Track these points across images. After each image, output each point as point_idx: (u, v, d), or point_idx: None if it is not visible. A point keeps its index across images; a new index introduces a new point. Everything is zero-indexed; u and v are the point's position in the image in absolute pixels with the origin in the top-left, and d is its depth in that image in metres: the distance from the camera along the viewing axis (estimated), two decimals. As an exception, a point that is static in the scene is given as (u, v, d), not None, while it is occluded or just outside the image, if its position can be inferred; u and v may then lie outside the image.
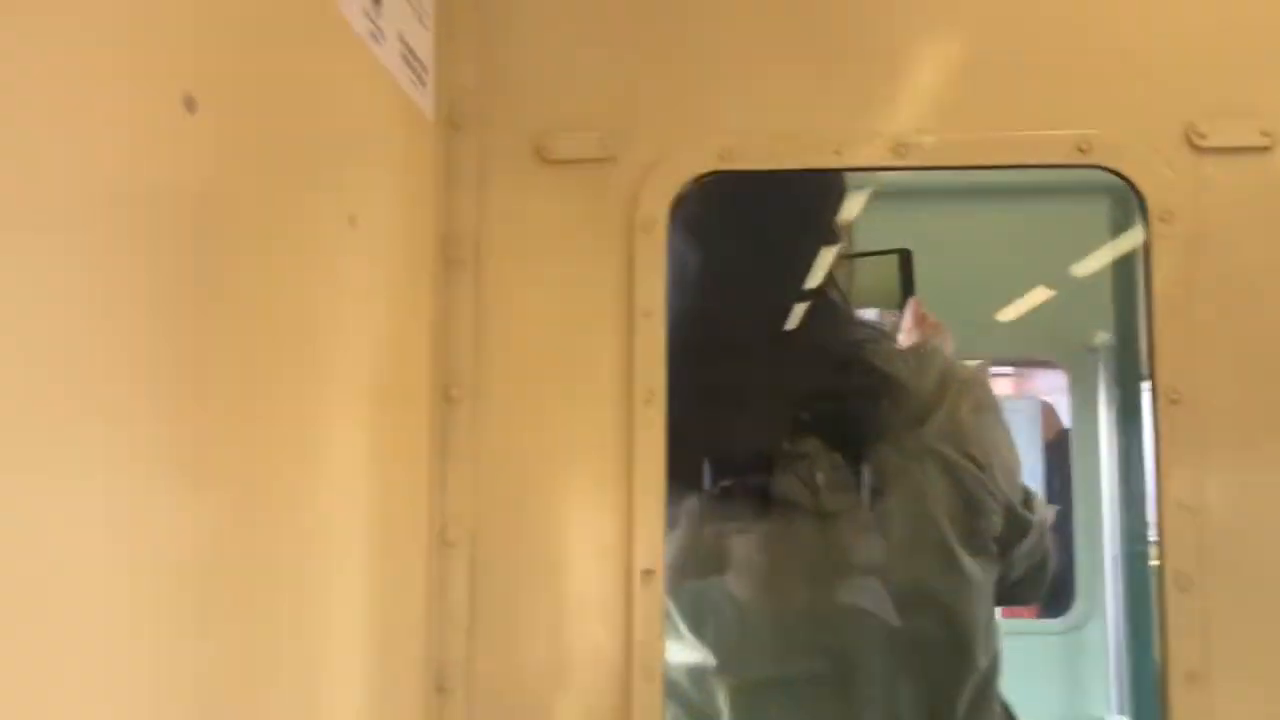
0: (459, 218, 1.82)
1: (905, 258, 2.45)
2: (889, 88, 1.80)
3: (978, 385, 1.94)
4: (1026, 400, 5.44)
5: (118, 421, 0.88)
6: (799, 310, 2.02)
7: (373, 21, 1.48)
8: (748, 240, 2.01)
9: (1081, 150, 1.72)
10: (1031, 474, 5.50)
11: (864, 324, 2.19)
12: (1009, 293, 4.46)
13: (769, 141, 1.80)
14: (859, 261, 2.43)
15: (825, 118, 1.80)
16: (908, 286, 2.43)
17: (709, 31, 1.83)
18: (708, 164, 1.80)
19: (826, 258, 2.07)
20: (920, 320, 2.30)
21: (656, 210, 1.80)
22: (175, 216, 0.99)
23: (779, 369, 1.96)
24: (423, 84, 1.72)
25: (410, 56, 1.65)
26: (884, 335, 2.16)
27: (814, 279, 2.04)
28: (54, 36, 0.81)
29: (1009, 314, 4.22)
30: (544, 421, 1.80)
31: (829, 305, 2.06)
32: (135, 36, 0.92)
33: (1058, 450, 6.19)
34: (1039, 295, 4.13)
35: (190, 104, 1.00)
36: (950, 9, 1.82)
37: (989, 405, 1.92)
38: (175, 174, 0.99)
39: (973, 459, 1.82)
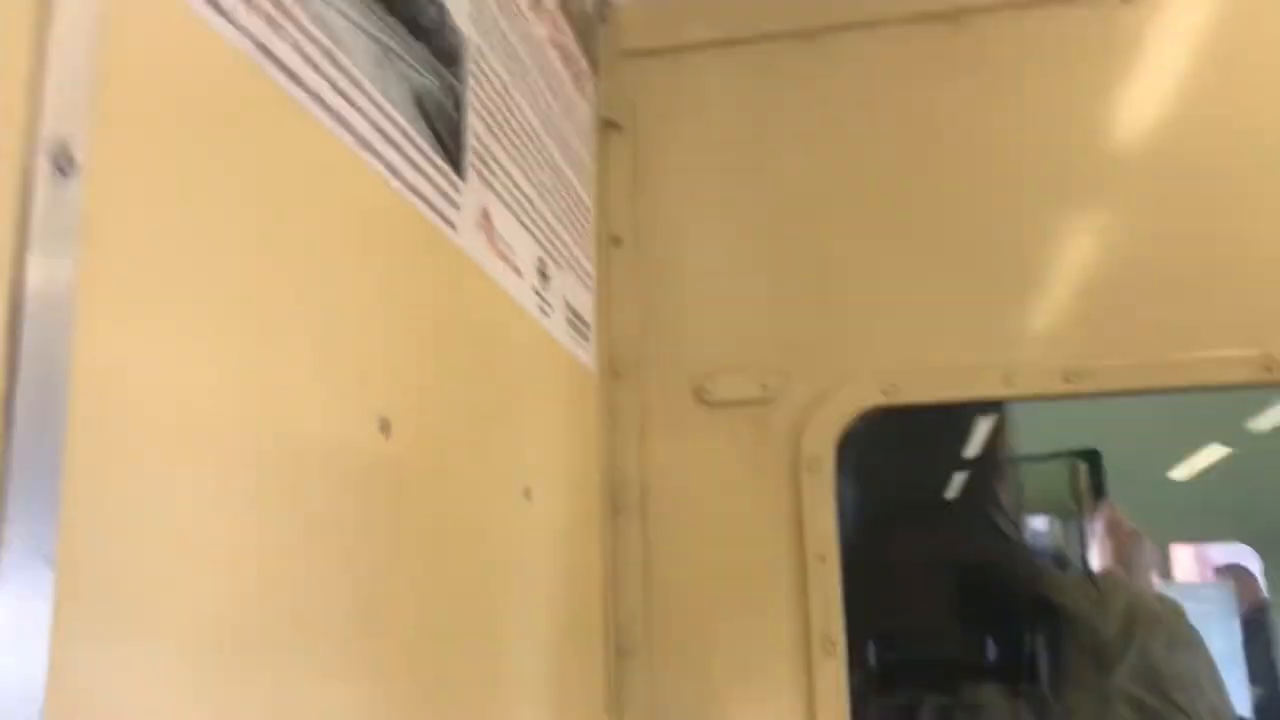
0: (624, 464, 1.84)
1: (1093, 460, 2.31)
2: (1055, 313, 1.77)
3: (1172, 616, 1.82)
4: (1215, 586, 5.08)
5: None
6: (966, 545, 1.95)
7: (541, 296, 1.54)
8: (908, 473, 1.97)
9: (1269, 370, 1.65)
10: (1230, 654, 5.08)
11: (1038, 551, 2.09)
12: (1186, 463, 4.23)
13: (933, 374, 1.78)
14: (1030, 465, 2.34)
15: (991, 347, 1.77)
16: (1098, 489, 2.30)
17: (864, 268, 1.84)
18: (871, 399, 1.78)
19: (992, 483, 2.02)
20: (1115, 528, 2.18)
21: (821, 449, 1.78)
22: (370, 510, 1.02)
23: (951, 612, 1.88)
24: (586, 340, 1.77)
25: (575, 319, 1.70)
26: (1060, 560, 2.06)
27: (979, 507, 1.97)
28: (267, 364, 0.86)
29: (1182, 473, 3.98)
30: (717, 672, 1.76)
31: (998, 536, 1.98)
32: (333, 370, 0.98)
33: (1257, 623, 5.69)
34: (1221, 466, 3.91)
35: (385, 426, 1.04)
36: (1112, 231, 1.79)
37: (1187, 639, 1.79)
38: (369, 482, 1.03)
39: (1175, 704, 1.69)
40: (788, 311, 1.86)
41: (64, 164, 0.64)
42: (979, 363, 1.77)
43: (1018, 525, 2.04)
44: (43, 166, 0.63)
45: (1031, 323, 1.78)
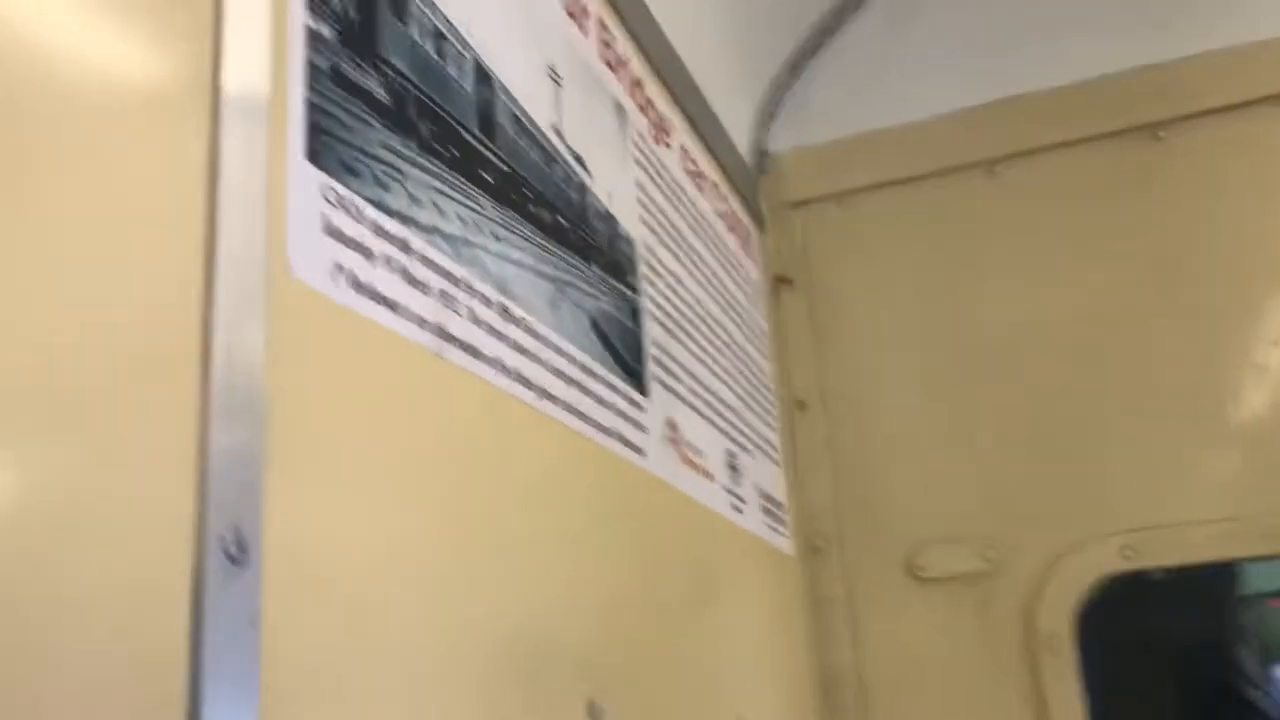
0: (835, 655, 1.68)
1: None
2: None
3: None
4: None
5: None
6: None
7: (734, 494, 1.41)
8: (1146, 648, 1.74)
9: None
10: None
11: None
12: None
13: (1180, 533, 1.56)
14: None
15: (1245, 497, 1.55)
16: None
17: (1083, 415, 1.65)
18: (1110, 565, 1.58)
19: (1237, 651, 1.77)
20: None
21: (1058, 625, 1.58)
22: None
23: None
24: (781, 523, 1.63)
25: (769, 504, 1.57)
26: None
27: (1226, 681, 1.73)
28: (471, 626, 0.75)
29: None
30: None
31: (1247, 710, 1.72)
32: (532, 644, 0.87)
33: None
34: None
35: (594, 712, 0.92)
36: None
37: None
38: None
39: None
40: (1001, 471, 1.68)
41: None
42: (1232, 517, 1.55)
43: (1266, 690, 1.78)
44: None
45: (1291, 466, 1.56)
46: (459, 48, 0.90)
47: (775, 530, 1.59)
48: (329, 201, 0.69)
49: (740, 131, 1.87)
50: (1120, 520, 1.59)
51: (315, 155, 0.68)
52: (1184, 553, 1.57)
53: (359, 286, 0.70)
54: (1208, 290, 1.65)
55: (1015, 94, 1.80)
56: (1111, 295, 1.69)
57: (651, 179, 1.33)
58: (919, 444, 1.73)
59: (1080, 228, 1.73)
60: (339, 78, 0.72)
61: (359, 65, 0.75)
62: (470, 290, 0.83)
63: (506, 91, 0.97)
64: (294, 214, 0.65)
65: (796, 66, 1.94)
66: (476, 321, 0.83)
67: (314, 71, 0.70)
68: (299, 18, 0.70)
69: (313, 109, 0.69)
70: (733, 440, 1.46)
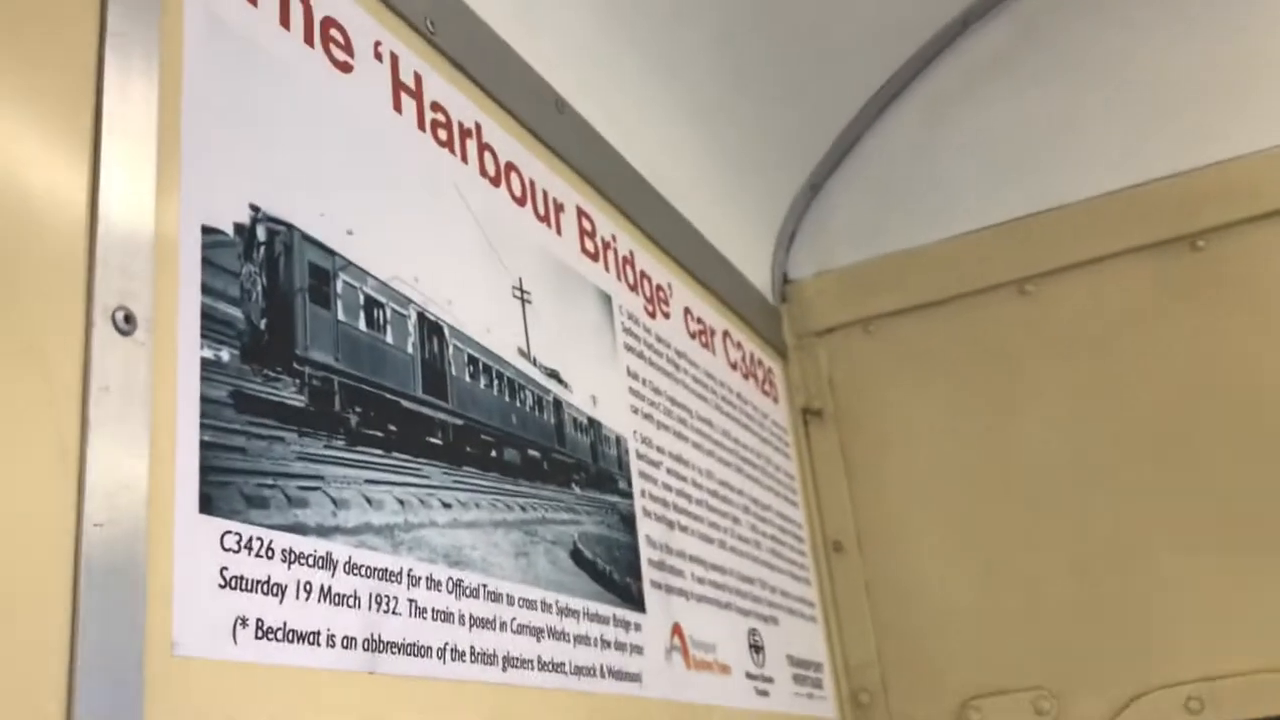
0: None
1: None
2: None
3: None
4: None
5: None
6: None
7: (757, 677, 1.34)
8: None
9: None
10: None
11: None
12: None
13: (1249, 683, 1.44)
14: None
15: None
16: None
17: (1137, 551, 1.54)
18: (1176, 718, 1.47)
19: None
20: None
21: (1124, 787, 1.47)
22: None
23: None
24: (819, 687, 1.55)
25: (802, 670, 1.49)
26: None
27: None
28: None
29: None
30: None
31: None
32: None
33: None
34: None
35: None
36: None
37: None
38: None
39: None
40: (1051, 613, 1.57)
41: None
42: (1306, 666, 1.43)
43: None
44: None
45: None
46: (398, 309, 0.86)
47: (811, 697, 1.51)
48: (228, 549, 0.64)
49: (758, 261, 1.81)
50: (1185, 669, 1.48)
51: (209, 503, 0.64)
52: (1258, 705, 1.44)
53: (266, 632, 0.65)
54: (1260, 407, 1.53)
55: (1044, 208, 1.71)
56: (1156, 416, 1.58)
57: (647, 360, 1.28)
58: (963, 585, 1.64)
59: (1120, 346, 1.63)
60: (241, 401, 0.68)
61: (269, 377, 0.71)
62: (411, 580, 0.79)
63: (460, 335, 0.92)
64: (182, 586, 0.61)
65: (815, 187, 1.88)
66: (420, 613, 0.78)
67: (210, 407, 0.66)
68: (191, 350, 0.66)
69: (208, 450, 0.65)
70: (756, 616, 1.38)
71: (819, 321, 1.83)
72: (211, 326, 0.68)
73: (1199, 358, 1.58)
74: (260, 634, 0.65)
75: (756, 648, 1.36)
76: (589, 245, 1.21)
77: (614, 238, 1.28)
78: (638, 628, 1.08)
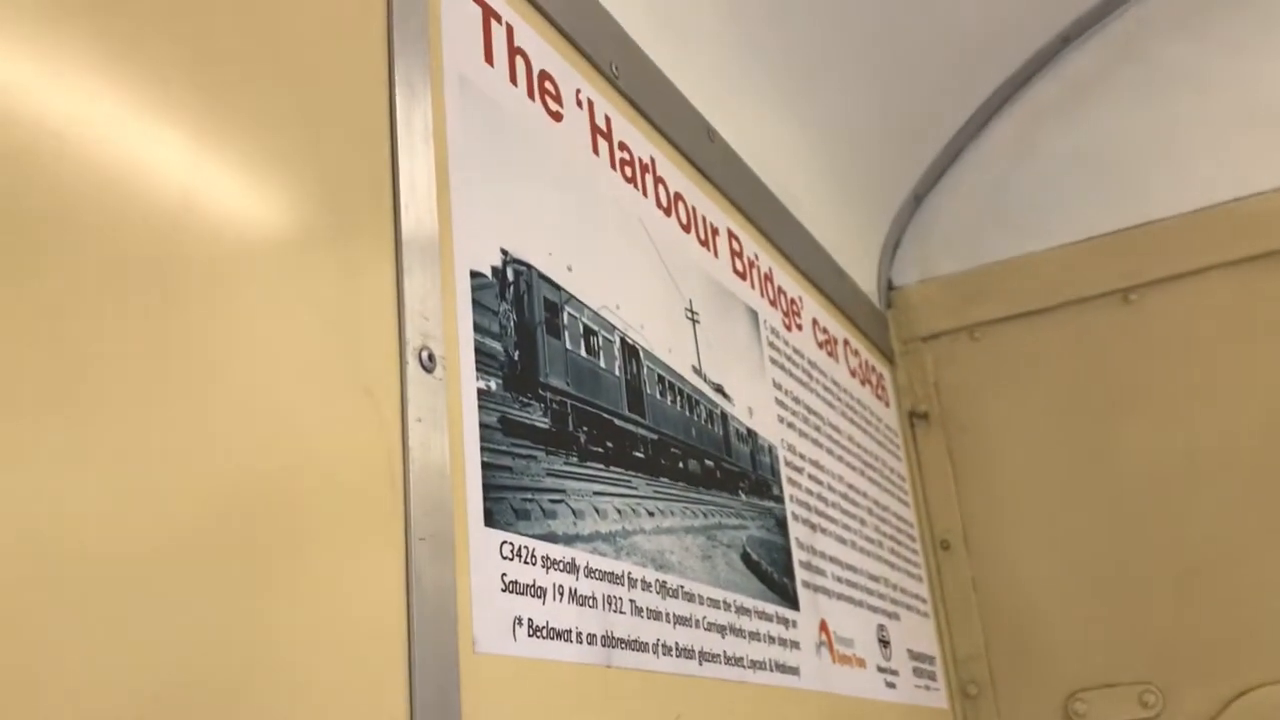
0: (996, 803, 1.66)
1: None
2: None
3: None
4: None
5: None
6: None
7: (886, 670, 1.42)
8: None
9: None
10: None
11: None
12: None
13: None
14: None
15: None
16: None
17: (1243, 547, 1.60)
18: (1281, 713, 1.53)
19: None
20: None
21: (1229, 775, 1.54)
22: None
23: None
24: (934, 680, 1.62)
25: (920, 664, 1.57)
26: None
27: None
28: None
29: None
30: None
31: None
32: None
33: None
34: None
35: None
36: None
37: None
38: None
39: None
40: (1156, 609, 1.64)
41: None
42: None
43: None
44: None
45: None
46: (607, 335, 0.94)
47: (929, 689, 1.59)
48: (505, 557, 0.74)
49: (865, 269, 1.88)
50: (1285, 663, 1.54)
51: (490, 517, 0.73)
52: (1360, 701, 1.51)
53: (535, 630, 0.74)
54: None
55: (1144, 221, 1.77)
56: (1256, 423, 1.64)
57: (787, 372, 1.36)
58: (1068, 582, 1.71)
59: (1220, 355, 1.69)
60: (507, 425, 0.77)
61: (523, 403, 0.80)
62: (630, 582, 0.87)
63: (651, 356, 1.01)
64: (478, 591, 0.70)
65: (919, 197, 1.95)
66: (638, 612, 0.87)
67: (486, 432, 0.75)
68: (470, 381, 0.75)
69: (487, 470, 0.74)
70: (882, 613, 1.46)
71: (924, 327, 1.90)
72: (482, 360, 0.77)
73: (1298, 367, 1.64)
74: (531, 632, 0.74)
75: (884, 642, 1.44)
76: (738, 265, 1.29)
77: (757, 256, 1.36)
78: (794, 624, 1.17)
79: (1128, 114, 1.85)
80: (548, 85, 0.95)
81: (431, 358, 0.70)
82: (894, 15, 1.63)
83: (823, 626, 1.25)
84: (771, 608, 1.12)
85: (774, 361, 1.33)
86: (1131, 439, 1.72)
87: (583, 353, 0.90)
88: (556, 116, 0.96)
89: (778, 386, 1.32)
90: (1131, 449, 1.72)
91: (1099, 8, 1.88)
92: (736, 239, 1.31)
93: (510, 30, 0.92)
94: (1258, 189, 1.71)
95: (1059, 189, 1.87)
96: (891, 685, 1.43)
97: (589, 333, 0.92)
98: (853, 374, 1.65)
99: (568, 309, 0.89)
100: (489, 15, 0.89)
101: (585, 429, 0.87)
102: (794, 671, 1.13)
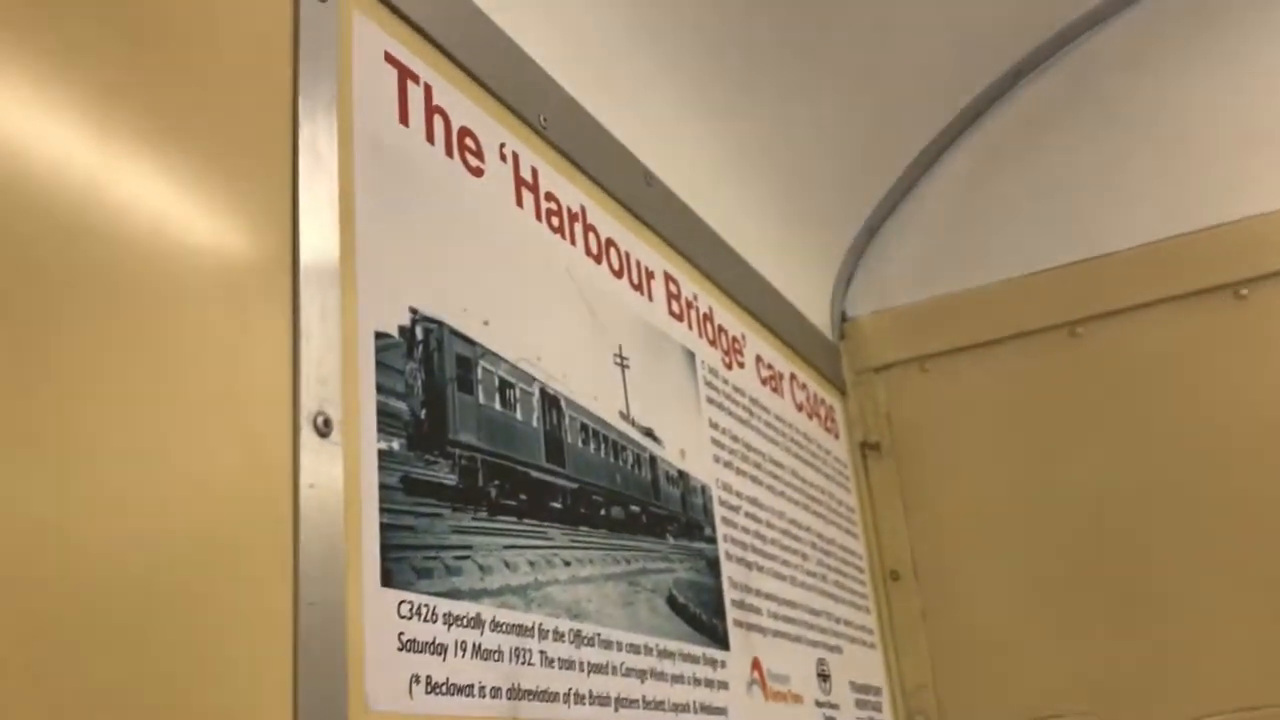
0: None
1: None
2: None
3: None
4: None
5: None
6: None
7: (825, 705, 1.43)
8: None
9: None
10: None
11: None
12: None
13: (1291, 714, 1.53)
14: None
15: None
16: None
17: (1186, 585, 1.62)
18: (1221, 749, 1.55)
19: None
20: None
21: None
22: None
23: None
24: (879, 710, 1.64)
25: (864, 695, 1.58)
26: None
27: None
28: None
29: None
30: None
31: None
32: None
33: None
34: None
35: None
36: None
37: None
38: None
39: None
40: (1101, 642, 1.66)
41: None
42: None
43: None
44: None
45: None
46: (525, 387, 0.96)
47: (872, 720, 1.61)
48: (403, 616, 0.75)
49: (819, 300, 1.90)
50: (1229, 698, 1.56)
51: (389, 577, 0.75)
52: (1297, 735, 1.53)
53: (434, 687, 0.76)
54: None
55: (1092, 255, 1.79)
56: (1203, 459, 1.66)
57: (726, 411, 1.38)
58: (1016, 612, 1.73)
59: (1165, 389, 1.71)
60: (409, 485, 0.79)
61: (429, 461, 0.82)
62: (541, 633, 0.89)
63: (574, 405, 1.03)
64: (371, 651, 0.71)
65: (873, 230, 1.97)
66: (548, 662, 0.89)
67: (386, 493, 0.76)
68: (370, 444, 0.76)
69: (386, 531, 0.75)
70: (824, 646, 1.48)
71: (876, 358, 1.92)
72: (385, 421, 0.78)
73: (1242, 404, 1.66)
74: (429, 689, 0.76)
75: (824, 676, 1.46)
76: (675, 307, 1.31)
77: (695, 297, 1.38)
78: (723, 665, 1.18)
79: (1079, 148, 1.87)
80: (468, 141, 0.97)
81: (328, 423, 0.72)
82: (844, 52, 1.65)
83: (755, 665, 1.26)
84: (698, 649, 1.14)
85: (711, 401, 1.35)
86: (1079, 471, 1.74)
87: (497, 406, 0.92)
88: (477, 172, 0.97)
89: (714, 426, 1.34)
90: (1079, 481, 1.74)
91: (1052, 42, 1.90)
92: (674, 281, 1.33)
93: (429, 90, 0.93)
94: (1204, 224, 1.74)
95: (1011, 222, 1.89)
96: (831, 719, 1.45)
97: (505, 386, 0.93)
98: (799, 408, 1.66)
99: (482, 364, 0.91)
100: (405, 76, 0.91)
101: (497, 483, 0.89)
102: (721, 712, 1.15)
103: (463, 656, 0.79)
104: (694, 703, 1.10)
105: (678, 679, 1.08)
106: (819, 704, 1.42)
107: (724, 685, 1.17)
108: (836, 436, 1.81)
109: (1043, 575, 1.72)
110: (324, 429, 0.72)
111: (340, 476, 0.72)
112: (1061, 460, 1.75)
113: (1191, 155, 1.78)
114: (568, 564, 0.95)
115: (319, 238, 0.76)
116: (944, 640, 1.76)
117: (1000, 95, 1.92)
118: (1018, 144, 1.91)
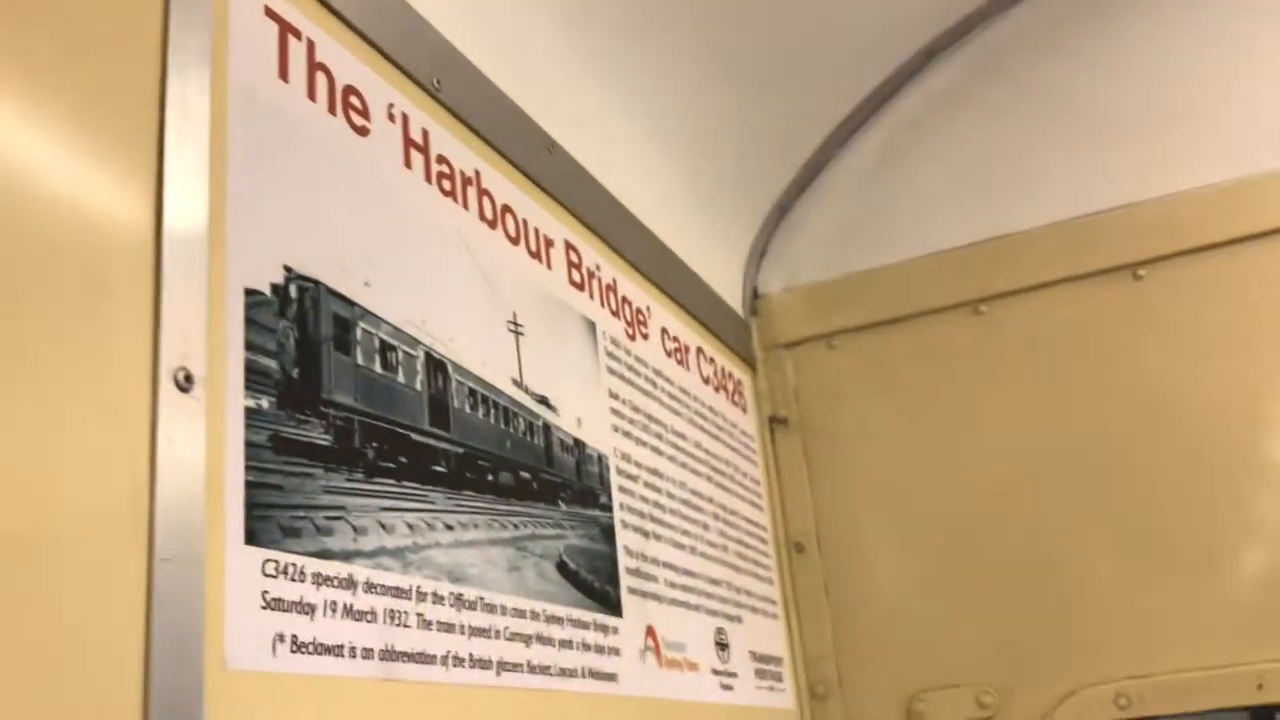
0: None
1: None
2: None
3: None
4: None
5: None
6: None
7: (722, 673, 1.45)
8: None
9: None
10: None
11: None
12: None
13: (1175, 682, 1.58)
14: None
15: (1239, 645, 1.56)
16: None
17: (1078, 558, 1.67)
18: (1106, 715, 1.60)
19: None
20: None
21: (1055, 775, 1.60)
22: None
23: None
24: (780, 680, 1.66)
25: (764, 665, 1.60)
26: None
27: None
28: None
29: None
30: None
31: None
32: None
33: None
34: None
35: None
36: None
37: None
38: None
39: None
40: (997, 614, 1.70)
41: None
42: (1227, 665, 1.56)
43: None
44: None
45: (1281, 613, 1.56)
46: (409, 350, 0.95)
47: (772, 690, 1.63)
48: (268, 575, 0.74)
49: (730, 276, 1.92)
50: (1115, 668, 1.61)
51: (253, 535, 0.74)
52: (1179, 703, 1.58)
53: (300, 646, 0.75)
54: (1194, 431, 1.66)
55: (997, 234, 1.82)
56: (1099, 435, 1.70)
57: (627, 381, 1.38)
58: (916, 585, 1.76)
59: (1065, 367, 1.75)
60: (278, 444, 0.78)
61: (300, 420, 0.81)
62: (420, 596, 0.89)
63: (462, 370, 1.02)
64: (232, 608, 0.71)
65: (784, 208, 1.98)
66: (426, 625, 0.89)
67: (253, 451, 0.76)
68: (237, 401, 0.75)
69: (252, 489, 0.75)
70: (721, 615, 1.50)
71: (786, 335, 1.94)
72: (253, 378, 0.77)
73: (1137, 382, 1.71)
74: (295, 648, 0.75)
75: (722, 645, 1.47)
76: (576, 276, 1.31)
77: (598, 267, 1.38)
78: (615, 631, 1.19)
79: (988, 129, 1.90)
80: (353, 100, 0.96)
81: (189, 378, 0.71)
82: (758, 29, 1.66)
83: (649, 632, 1.27)
84: (588, 615, 1.14)
85: (612, 371, 1.35)
86: (979, 447, 1.77)
87: (377, 368, 0.91)
88: (362, 131, 0.96)
89: (614, 396, 1.34)
90: (979, 457, 1.77)
91: (963, 24, 1.92)
92: (575, 250, 1.33)
93: (311, 46, 0.92)
94: (1106, 205, 1.77)
95: (920, 201, 1.91)
96: (728, 688, 1.46)
97: (386, 348, 0.93)
98: (706, 381, 1.67)
99: (362, 324, 0.90)
100: (286, 31, 0.89)
101: (375, 445, 0.88)
102: (611, 678, 1.16)
103: (333, 616, 0.79)
104: (583, 668, 1.11)
105: (566, 644, 1.08)
106: (716, 672, 1.43)
107: (615, 651, 1.18)
108: (745, 411, 1.83)
109: (945, 549, 1.76)
110: (185, 384, 0.70)
111: (202, 432, 0.71)
112: (964, 436, 1.79)
113: (1097, 138, 1.82)
114: (450, 528, 0.95)
115: (185, 192, 0.74)
116: (846, 612, 1.79)
117: (911, 76, 1.94)
118: (928, 124, 1.93)
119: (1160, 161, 1.76)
